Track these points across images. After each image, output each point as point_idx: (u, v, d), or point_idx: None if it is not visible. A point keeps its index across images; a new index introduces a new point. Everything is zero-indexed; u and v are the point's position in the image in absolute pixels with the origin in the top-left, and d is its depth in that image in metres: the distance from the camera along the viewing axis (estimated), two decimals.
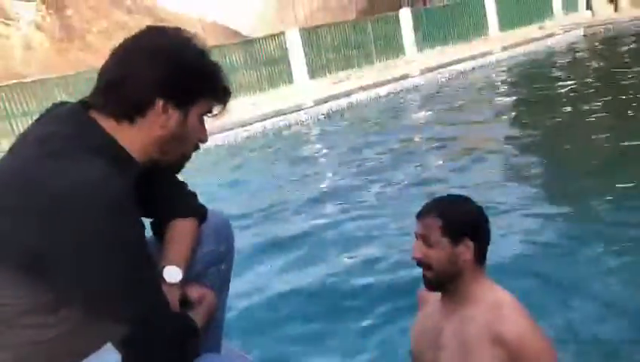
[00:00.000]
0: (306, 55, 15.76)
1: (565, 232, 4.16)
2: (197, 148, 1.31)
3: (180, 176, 1.48)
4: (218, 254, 1.51)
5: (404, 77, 14.10)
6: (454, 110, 10.24)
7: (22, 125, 11.57)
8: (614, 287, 3.26)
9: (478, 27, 19.87)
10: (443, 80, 13.72)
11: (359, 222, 5.09)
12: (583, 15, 22.68)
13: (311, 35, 16.30)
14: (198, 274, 1.44)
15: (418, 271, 1.70)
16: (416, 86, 13.38)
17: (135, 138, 1.20)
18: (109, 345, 1.20)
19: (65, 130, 1.15)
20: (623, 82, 9.53)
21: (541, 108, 9.12)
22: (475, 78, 13.67)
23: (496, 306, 1.62)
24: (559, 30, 18.70)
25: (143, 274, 1.14)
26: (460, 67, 14.59)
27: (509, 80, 12.89)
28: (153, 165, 1.26)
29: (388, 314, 3.35)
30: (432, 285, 1.70)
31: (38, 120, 1.23)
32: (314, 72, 15.94)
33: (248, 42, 16.49)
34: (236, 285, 1.63)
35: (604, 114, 7.62)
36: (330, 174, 7.32)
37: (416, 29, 18.08)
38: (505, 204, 4.84)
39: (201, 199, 1.51)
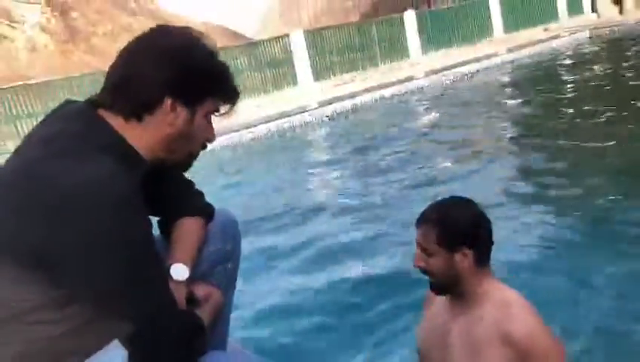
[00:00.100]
0: (310, 57, 15.78)
1: (572, 232, 4.14)
2: (204, 147, 1.32)
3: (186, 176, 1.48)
4: (225, 253, 1.51)
5: (409, 79, 14.10)
6: (459, 112, 10.23)
7: (27, 127, 11.62)
8: (623, 286, 3.24)
9: (483, 29, 19.87)
10: (447, 82, 13.71)
11: (363, 224, 5.08)
12: (588, 17, 22.66)
13: (315, 37, 16.32)
14: (205, 273, 1.44)
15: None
16: (421, 88, 13.37)
17: (143, 136, 1.21)
18: (114, 342, 1.19)
19: (73, 128, 1.16)
20: (629, 84, 9.50)
21: (546, 110, 9.10)
22: (479, 80, 13.65)
23: (504, 305, 1.61)
24: (564, 32, 18.68)
25: (150, 271, 1.14)
26: (465, 69, 14.58)
27: (513, 82, 12.87)
28: (161, 164, 1.27)
29: (394, 314, 3.33)
30: (438, 290, 1.71)
31: (45, 119, 1.24)
32: (318, 74, 15.96)
33: (253, 44, 16.52)
34: (239, 285, 1.62)
35: (611, 116, 7.59)
36: (334, 176, 7.32)
37: (420, 31, 18.09)
38: (509, 205, 4.84)
39: None
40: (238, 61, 14.35)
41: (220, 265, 1.49)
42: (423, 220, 1.67)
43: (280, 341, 3.27)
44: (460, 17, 19.47)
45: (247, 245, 1.60)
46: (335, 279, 4.03)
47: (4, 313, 1.09)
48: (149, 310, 1.12)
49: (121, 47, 1.24)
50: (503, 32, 20.22)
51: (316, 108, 11.96)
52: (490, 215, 1.72)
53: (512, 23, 20.59)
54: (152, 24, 1.30)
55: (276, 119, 11.36)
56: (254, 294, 3.80)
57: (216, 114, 1.30)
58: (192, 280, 1.36)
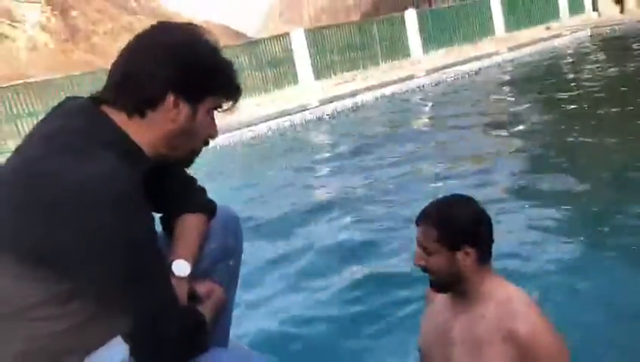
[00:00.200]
0: (311, 56, 15.77)
1: (573, 230, 4.14)
2: (207, 143, 1.32)
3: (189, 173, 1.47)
4: (227, 249, 1.51)
5: (410, 77, 14.10)
6: (459, 111, 10.22)
7: (27, 126, 11.62)
8: (627, 287, 3.23)
9: (484, 28, 19.86)
10: (449, 80, 13.71)
11: (364, 222, 5.08)
12: (589, 16, 22.67)
13: (316, 36, 16.32)
14: (207, 270, 1.43)
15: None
16: (422, 87, 13.37)
17: (146, 132, 1.21)
18: (115, 339, 1.19)
19: (75, 124, 1.16)
20: (631, 82, 9.50)
21: (547, 108, 9.09)
22: (480, 78, 13.65)
23: (506, 302, 1.60)
24: (566, 31, 18.68)
25: (152, 268, 1.14)
26: (466, 68, 14.58)
27: (514, 81, 12.86)
28: (163, 160, 1.26)
29: (395, 313, 3.33)
30: (438, 288, 1.70)
31: (46, 117, 1.23)
32: (319, 72, 15.96)
33: (253, 43, 16.53)
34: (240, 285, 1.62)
35: (613, 114, 7.59)
36: (335, 174, 7.31)
37: (421, 30, 18.08)
38: (509, 203, 4.83)
39: None
40: (239, 60, 14.35)
41: (221, 262, 1.49)
42: (423, 218, 1.65)
43: (280, 342, 3.26)
44: (461, 16, 19.47)
45: (246, 244, 1.59)
46: (335, 278, 4.03)
47: (6, 309, 1.09)
48: (151, 306, 1.12)
49: (122, 46, 1.24)
50: (504, 30, 20.22)
51: (317, 107, 11.96)
52: (490, 213, 1.70)
53: (514, 22, 20.59)
54: (153, 23, 1.30)
55: (277, 118, 11.36)
56: (254, 294, 3.79)
57: (219, 110, 1.30)
58: (193, 276, 1.35)
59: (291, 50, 15.59)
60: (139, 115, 1.20)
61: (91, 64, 18.18)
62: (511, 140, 7.38)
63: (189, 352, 1.20)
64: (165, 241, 1.38)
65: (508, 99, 10.81)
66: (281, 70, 15.49)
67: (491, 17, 20.11)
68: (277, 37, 16.18)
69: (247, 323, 3.33)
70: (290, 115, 11.50)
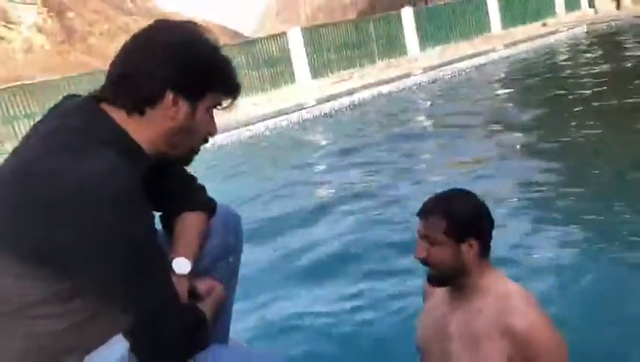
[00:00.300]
0: (308, 55, 15.78)
1: (571, 232, 4.12)
2: (206, 141, 1.31)
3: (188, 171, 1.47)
4: (227, 247, 1.51)
5: (407, 75, 14.10)
6: (456, 108, 10.23)
7: (24, 128, 11.59)
8: (626, 283, 3.24)
9: (481, 25, 19.89)
10: (445, 78, 13.71)
11: (361, 221, 5.07)
12: (585, 12, 22.72)
13: (313, 34, 16.32)
14: (207, 267, 1.44)
15: (422, 267, 1.68)
16: (419, 84, 13.38)
17: (145, 130, 1.21)
18: (115, 337, 1.19)
19: (73, 122, 1.16)
20: (628, 78, 9.51)
21: (544, 104, 9.10)
22: (477, 75, 13.66)
23: (504, 297, 1.60)
24: (562, 27, 18.71)
25: (152, 265, 1.14)
26: (463, 65, 14.59)
27: (511, 77, 12.87)
28: (162, 159, 1.26)
29: (395, 309, 3.33)
30: (437, 282, 1.69)
31: (44, 116, 1.23)
32: (316, 71, 15.96)
33: (250, 42, 16.53)
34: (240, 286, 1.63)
35: (611, 110, 7.60)
36: (332, 173, 7.31)
37: (418, 27, 18.10)
38: (507, 200, 4.83)
39: None
40: (236, 60, 14.34)
41: (222, 260, 1.49)
42: (429, 210, 1.65)
43: (281, 339, 3.27)
44: (458, 14, 19.49)
45: (244, 244, 1.60)
46: (334, 277, 4.02)
47: (7, 308, 1.09)
48: (152, 304, 1.12)
49: (118, 47, 1.24)
50: (500, 27, 20.25)
51: (314, 106, 11.96)
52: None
53: (510, 19, 20.62)
54: (152, 22, 1.30)
55: (274, 117, 11.36)
56: (252, 293, 3.79)
57: (218, 108, 1.30)
58: (194, 274, 1.35)
59: (288, 49, 15.60)
60: (138, 113, 1.20)
61: (88, 65, 18.16)
62: (508, 137, 7.38)
63: (189, 349, 1.20)
64: (165, 240, 1.38)
65: (505, 96, 10.82)
66: (278, 69, 15.49)
67: (488, 14, 20.15)
68: (274, 36, 16.19)
69: (247, 322, 3.33)
70: (287, 114, 11.50)
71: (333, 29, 17.23)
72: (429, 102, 11.70)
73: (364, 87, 13.33)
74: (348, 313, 3.48)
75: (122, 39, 1.31)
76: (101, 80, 1.25)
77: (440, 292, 1.77)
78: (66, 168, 1.06)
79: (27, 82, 13.24)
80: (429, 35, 18.47)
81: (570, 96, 9.18)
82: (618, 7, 22.34)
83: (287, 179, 7.18)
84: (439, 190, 1.73)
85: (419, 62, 16.35)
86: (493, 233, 1.68)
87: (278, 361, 1.52)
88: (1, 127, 11.99)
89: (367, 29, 17.54)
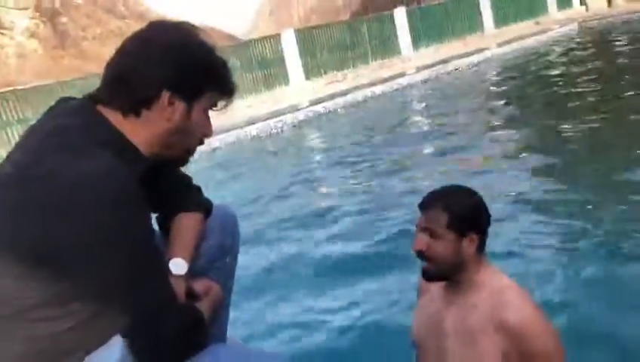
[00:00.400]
0: (301, 56, 15.77)
1: (570, 230, 4.12)
2: (201, 142, 1.32)
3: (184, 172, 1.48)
4: (224, 248, 1.51)
5: (401, 75, 14.13)
6: (450, 107, 10.25)
7: (17, 133, 11.52)
8: (623, 279, 3.24)
9: (474, 24, 19.94)
10: (439, 77, 13.75)
11: (358, 223, 5.08)
12: (577, 10, 22.84)
13: (306, 36, 16.32)
14: (204, 268, 1.44)
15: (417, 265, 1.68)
16: (412, 84, 13.41)
17: (141, 131, 1.21)
18: (114, 338, 1.19)
19: (72, 123, 1.16)
20: (620, 74, 9.56)
21: (538, 103, 9.14)
22: (470, 74, 13.69)
23: (498, 292, 1.61)
24: (554, 25, 18.80)
25: (151, 265, 1.14)
26: (456, 64, 14.64)
27: (504, 76, 12.91)
28: (158, 160, 1.27)
29: (391, 310, 3.34)
30: (434, 277, 1.68)
31: (41, 118, 1.23)
32: (310, 72, 15.95)
33: (244, 44, 16.49)
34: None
35: (604, 107, 7.64)
36: (327, 174, 7.31)
37: (411, 27, 18.13)
38: (502, 198, 4.84)
39: None
40: (230, 62, 14.25)
41: (218, 260, 1.49)
42: (431, 203, 1.65)
43: (279, 343, 3.26)
44: (451, 13, 19.54)
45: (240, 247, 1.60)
46: (329, 278, 4.03)
47: (7, 310, 1.09)
48: (150, 304, 1.12)
49: (111, 51, 1.24)
50: (493, 26, 20.31)
51: (308, 107, 11.97)
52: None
53: (503, 18, 20.70)
54: (148, 22, 1.30)
55: (268, 119, 11.36)
56: (248, 297, 3.79)
57: (214, 109, 1.30)
58: (191, 275, 1.36)
59: (281, 50, 15.58)
60: (134, 114, 1.20)
61: (81, 69, 18.09)
62: (502, 135, 7.40)
63: (188, 349, 1.20)
64: (162, 240, 1.39)
65: (498, 94, 10.85)
66: (271, 71, 15.47)
67: (480, 13, 20.21)
68: (267, 38, 16.17)
69: (247, 323, 3.34)
70: (281, 115, 11.50)
71: (327, 30, 17.24)
72: (422, 102, 11.73)
73: (358, 87, 13.35)
74: (347, 312, 3.49)
75: (115, 43, 1.31)
76: (94, 84, 1.25)
77: (435, 288, 1.77)
78: (64, 168, 1.06)
79: (20, 87, 13.17)
80: (422, 35, 18.51)
81: (564, 93, 9.22)
82: (609, 4, 22.45)
83: (282, 181, 7.17)
84: (434, 186, 1.74)
85: (412, 62, 16.39)
86: (490, 229, 1.69)
87: (278, 361, 1.52)
88: None
89: (360, 29, 17.55)
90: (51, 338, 1.10)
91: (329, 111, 11.82)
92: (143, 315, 1.12)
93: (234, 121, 10.73)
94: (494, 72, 13.42)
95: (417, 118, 10.43)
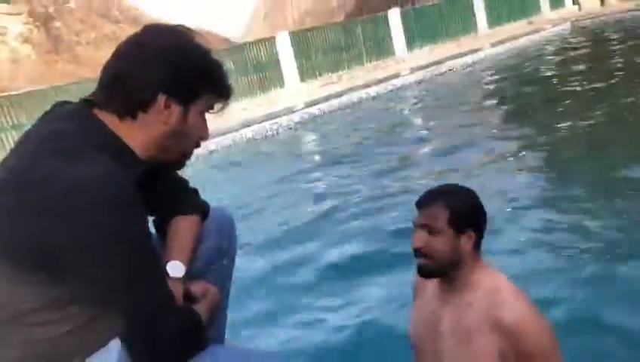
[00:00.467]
0: (296, 58, 15.78)
1: (570, 229, 4.14)
2: (198, 145, 1.32)
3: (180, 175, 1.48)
4: (221, 250, 1.51)
5: (395, 76, 14.16)
6: (444, 107, 10.28)
7: (11, 139, 11.49)
8: (622, 278, 3.25)
9: (467, 25, 20.01)
10: (433, 78, 13.78)
11: (356, 221, 5.09)
12: (569, 10, 22.93)
13: (301, 38, 16.33)
14: (201, 270, 1.44)
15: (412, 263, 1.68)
16: (407, 85, 13.43)
17: (138, 135, 1.21)
18: (112, 341, 1.19)
19: (68, 128, 1.16)
20: (611, 71, 9.60)
21: (531, 103, 9.17)
22: (465, 75, 13.73)
23: (493, 292, 1.61)
24: (547, 25, 18.87)
25: (149, 268, 1.14)
26: (450, 65, 14.68)
27: (498, 76, 12.95)
28: (155, 163, 1.27)
29: (391, 310, 3.34)
30: (430, 274, 1.68)
31: (36, 123, 1.23)
32: (304, 74, 15.97)
33: (239, 47, 16.49)
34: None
35: (598, 103, 7.67)
36: (323, 176, 7.31)
37: (405, 28, 18.18)
38: (500, 198, 4.86)
39: None
40: (225, 65, 14.24)
41: (216, 263, 1.49)
42: (431, 200, 1.65)
43: (279, 344, 3.27)
44: (445, 14, 19.60)
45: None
46: (327, 278, 4.03)
47: (4, 315, 1.08)
48: (149, 306, 1.12)
49: (106, 56, 1.24)
50: (487, 27, 20.38)
51: (303, 109, 11.98)
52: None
53: (496, 18, 20.77)
54: (143, 26, 1.30)
55: (263, 121, 11.36)
56: (247, 303, 3.79)
57: (210, 111, 1.30)
58: (188, 277, 1.36)
59: (276, 53, 15.60)
60: (130, 118, 1.20)
61: (75, 74, 18.06)
62: (497, 135, 7.43)
63: (187, 351, 1.20)
64: (159, 243, 1.39)
65: (492, 94, 10.88)
66: (266, 73, 15.48)
67: (474, 14, 20.27)
68: (262, 40, 16.18)
69: (246, 324, 3.34)
70: (276, 117, 11.51)
71: (321, 32, 17.26)
72: (417, 103, 11.75)
73: (353, 89, 13.37)
74: (346, 312, 3.49)
75: (109, 47, 1.31)
76: (89, 89, 1.25)
77: (430, 289, 1.77)
78: (60, 173, 1.06)
79: (14, 93, 13.13)
80: (416, 36, 18.55)
81: (557, 92, 9.25)
82: (602, 3, 22.55)
83: (277, 182, 7.18)
84: (429, 187, 1.74)
85: (407, 63, 16.42)
86: (487, 228, 1.70)
87: (277, 361, 1.53)
88: None
89: (354, 31, 17.59)
90: (49, 343, 1.10)
91: (324, 112, 11.83)
92: (141, 318, 1.11)
93: (230, 123, 10.72)
94: (488, 73, 13.46)
95: (412, 119, 10.45)
